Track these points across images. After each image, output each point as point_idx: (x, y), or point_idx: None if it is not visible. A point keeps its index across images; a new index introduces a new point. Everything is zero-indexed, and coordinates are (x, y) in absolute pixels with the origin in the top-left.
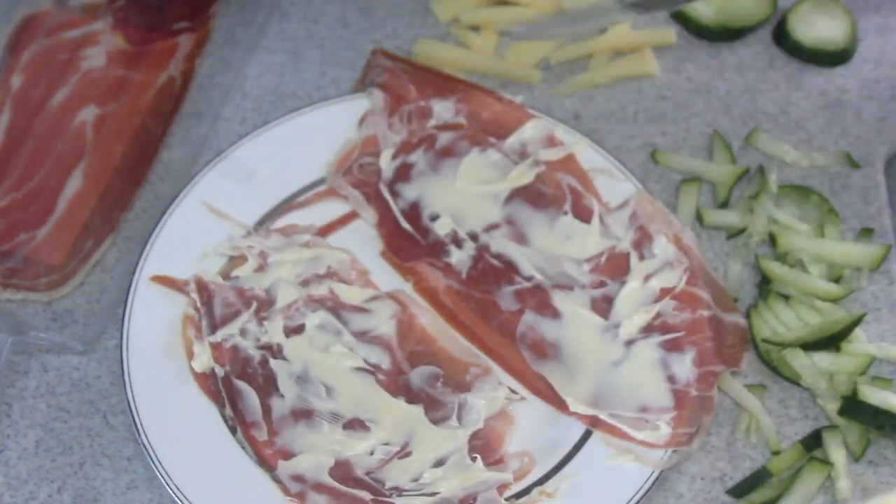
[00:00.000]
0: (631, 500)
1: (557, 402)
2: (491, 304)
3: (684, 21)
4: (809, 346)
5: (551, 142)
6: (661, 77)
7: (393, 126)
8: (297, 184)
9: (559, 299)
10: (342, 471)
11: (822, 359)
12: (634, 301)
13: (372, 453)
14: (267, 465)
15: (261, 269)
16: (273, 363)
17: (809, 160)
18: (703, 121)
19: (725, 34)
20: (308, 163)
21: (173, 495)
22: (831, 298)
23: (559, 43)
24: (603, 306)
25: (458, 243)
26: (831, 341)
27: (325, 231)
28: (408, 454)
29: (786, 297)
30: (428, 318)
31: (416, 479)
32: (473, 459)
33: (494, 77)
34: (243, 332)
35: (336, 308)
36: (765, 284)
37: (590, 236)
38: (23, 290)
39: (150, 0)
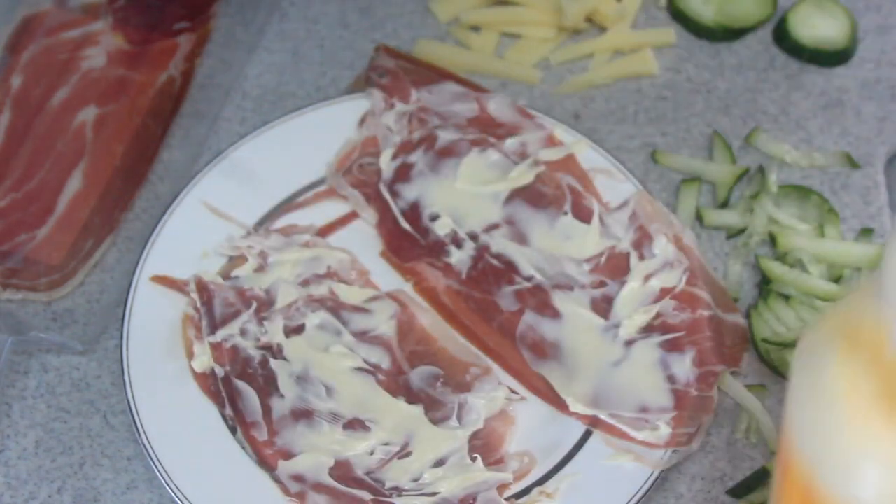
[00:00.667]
0: (631, 500)
1: (557, 402)
2: (491, 304)
3: (684, 21)
4: None
5: (551, 142)
6: (661, 77)
7: (393, 126)
8: (297, 184)
9: (559, 299)
10: (342, 471)
11: None
12: (634, 301)
13: (372, 453)
14: (267, 465)
15: (261, 269)
16: (273, 363)
17: (809, 160)
18: (703, 121)
19: (725, 34)
20: (308, 163)
21: (173, 495)
22: (831, 298)
23: (559, 43)
24: (603, 306)
25: (458, 243)
26: None
27: (325, 231)
28: (408, 454)
29: (786, 297)
30: (428, 319)
31: (416, 479)
32: (473, 459)
33: (494, 77)
34: (243, 333)
35: (336, 308)
36: (765, 284)
37: (590, 236)
38: (23, 290)
39: (150, 0)
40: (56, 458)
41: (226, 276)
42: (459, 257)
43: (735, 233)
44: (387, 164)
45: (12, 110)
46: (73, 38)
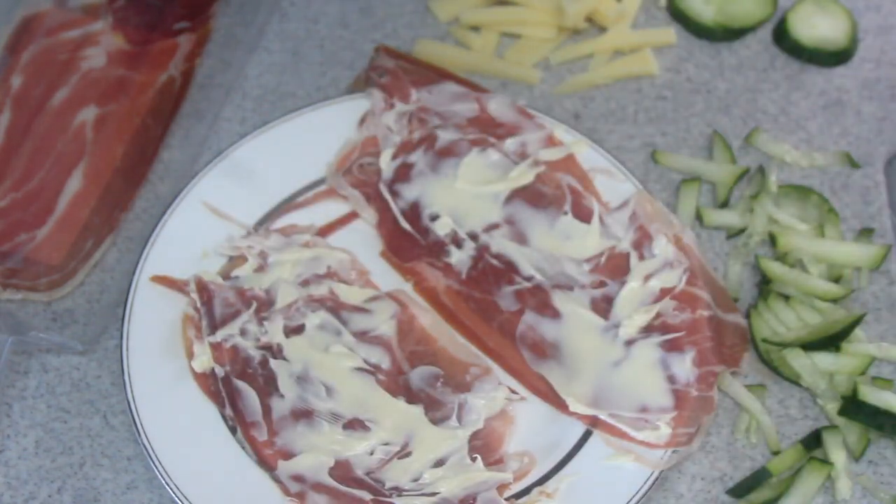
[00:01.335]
0: (631, 500)
1: (557, 402)
2: (491, 304)
3: (684, 21)
4: (809, 346)
5: (551, 142)
6: (661, 77)
7: (393, 126)
8: (297, 184)
9: (559, 299)
10: (342, 471)
11: (822, 359)
12: (634, 301)
13: (372, 453)
14: (267, 465)
15: (261, 269)
16: (273, 363)
17: (809, 160)
18: (703, 121)
19: (725, 34)
20: (308, 163)
21: (173, 495)
22: (831, 298)
23: (559, 43)
24: (603, 306)
25: (458, 243)
26: (831, 341)
27: (325, 231)
28: (408, 454)
29: (786, 297)
30: (428, 319)
31: (416, 479)
32: (473, 459)
33: (494, 77)
34: (243, 332)
35: (336, 308)
36: (765, 284)
37: (590, 236)
38: (23, 290)
39: (150, 0)
40: (56, 458)
41: (226, 276)
42: (459, 257)
43: (735, 233)
44: (387, 164)
45: (12, 110)
46: (73, 38)
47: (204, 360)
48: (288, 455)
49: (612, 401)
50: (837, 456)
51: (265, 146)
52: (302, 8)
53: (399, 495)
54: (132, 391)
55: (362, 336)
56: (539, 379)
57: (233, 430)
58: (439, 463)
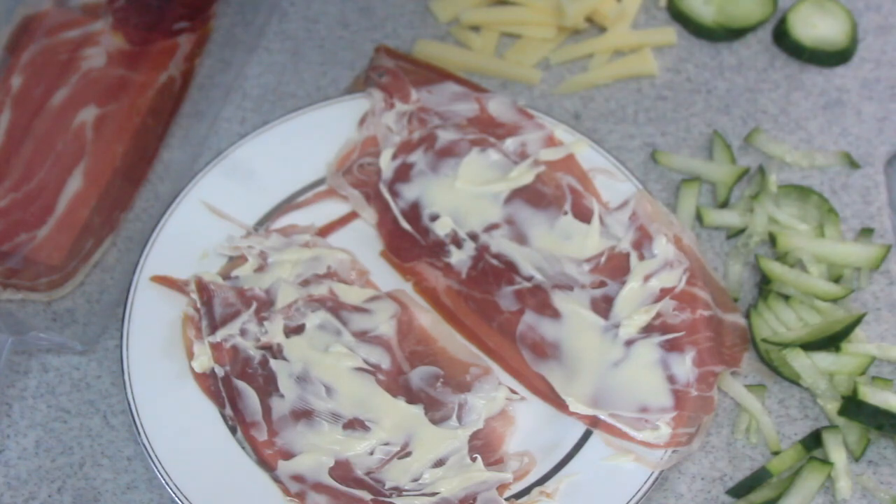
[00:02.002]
0: (631, 500)
1: (557, 402)
2: (491, 304)
3: (684, 21)
4: (809, 346)
5: (551, 142)
6: (661, 77)
7: (393, 126)
8: (297, 184)
9: (559, 299)
10: (342, 471)
11: (822, 359)
12: (634, 301)
13: (372, 453)
14: (267, 465)
15: (261, 269)
16: (273, 363)
17: (809, 160)
18: (703, 121)
19: (725, 34)
20: (308, 163)
21: (173, 495)
22: (831, 298)
23: (559, 43)
24: (603, 306)
25: (458, 243)
26: (831, 341)
27: (325, 231)
28: (408, 454)
29: (786, 297)
30: (428, 319)
31: (416, 479)
32: (473, 459)
33: (494, 77)
34: (243, 333)
35: (336, 308)
36: (765, 284)
37: (590, 236)
38: (23, 290)
39: (150, 0)
40: (56, 458)
41: (226, 276)
42: (459, 257)
43: (735, 233)
44: (387, 163)
45: (12, 110)
46: (73, 38)
47: (204, 360)
48: (288, 455)
49: (612, 401)
50: (837, 456)
51: (265, 146)
52: (302, 8)
53: (399, 495)
54: (132, 391)
55: (362, 336)
56: (539, 379)
57: (233, 430)
58: (439, 463)
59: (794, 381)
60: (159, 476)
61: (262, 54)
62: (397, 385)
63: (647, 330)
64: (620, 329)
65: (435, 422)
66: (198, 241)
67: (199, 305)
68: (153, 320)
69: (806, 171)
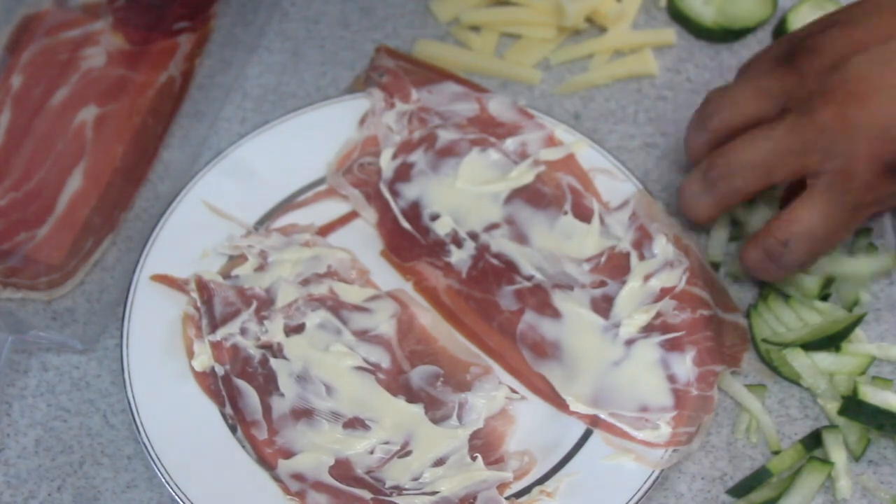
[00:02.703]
0: (631, 499)
1: (557, 402)
2: (491, 304)
3: (684, 21)
4: (809, 346)
5: (551, 142)
6: (661, 77)
7: (393, 126)
8: (297, 184)
9: (559, 299)
10: (342, 470)
11: (822, 359)
12: (634, 301)
13: (372, 452)
14: (267, 464)
15: (261, 268)
16: (273, 362)
17: None
18: None
19: (725, 35)
20: (308, 163)
21: (173, 494)
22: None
23: (559, 43)
24: (603, 306)
25: (459, 243)
26: (831, 341)
27: (325, 230)
28: (408, 453)
29: (786, 297)
30: (428, 318)
31: (416, 478)
32: (474, 458)
33: (494, 77)
34: (243, 332)
35: (336, 307)
36: (765, 284)
37: (590, 236)
38: (23, 289)
39: (150, 0)
40: (56, 456)
41: (226, 275)
42: (459, 257)
43: (736, 234)
44: (387, 163)
45: (12, 110)
46: (73, 38)
47: (204, 359)
48: (288, 454)
49: (613, 400)
50: (838, 456)
51: (265, 146)
52: (302, 8)
53: (399, 494)
54: (132, 390)
55: (362, 335)
56: (539, 378)
57: (233, 429)
58: (439, 462)
59: (794, 380)
60: (159, 475)
61: (263, 54)
62: (397, 384)
63: (648, 329)
64: (620, 329)
65: (435, 421)
66: (198, 240)
67: (199, 304)
68: (153, 319)
69: None
